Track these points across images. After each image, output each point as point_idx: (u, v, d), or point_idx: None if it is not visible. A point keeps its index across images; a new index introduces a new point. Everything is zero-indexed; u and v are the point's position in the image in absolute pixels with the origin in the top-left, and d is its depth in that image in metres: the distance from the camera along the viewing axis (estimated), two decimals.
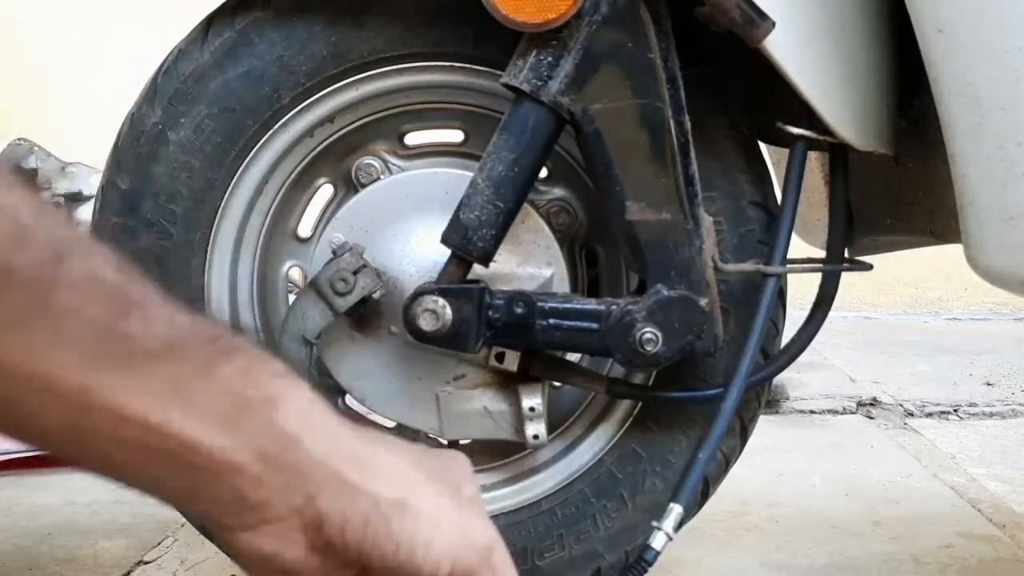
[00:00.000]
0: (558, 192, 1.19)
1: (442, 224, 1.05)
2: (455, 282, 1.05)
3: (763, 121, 1.15)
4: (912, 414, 2.41)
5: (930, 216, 1.16)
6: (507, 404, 1.12)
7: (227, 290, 1.18)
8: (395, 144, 1.21)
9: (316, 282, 1.07)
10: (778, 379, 1.62)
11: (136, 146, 1.13)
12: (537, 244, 1.12)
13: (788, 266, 1.11)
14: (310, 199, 1.23)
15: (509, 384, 1.12)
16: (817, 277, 1.18)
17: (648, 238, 1.04)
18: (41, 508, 1.68)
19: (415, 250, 1.12)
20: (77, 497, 1.70)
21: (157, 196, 1.13)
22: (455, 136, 1.21)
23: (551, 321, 1.05)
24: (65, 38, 3.89)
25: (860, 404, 2.46)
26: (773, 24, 0.97)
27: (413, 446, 0.47)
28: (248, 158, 1.14)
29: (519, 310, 1.04)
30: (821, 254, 1.21)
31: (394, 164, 1.19)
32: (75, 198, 3.41)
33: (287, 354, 1.08)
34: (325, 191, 1.23)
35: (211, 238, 1.15)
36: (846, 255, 1.18)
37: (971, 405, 2.45)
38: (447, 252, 1.06)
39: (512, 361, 1.10)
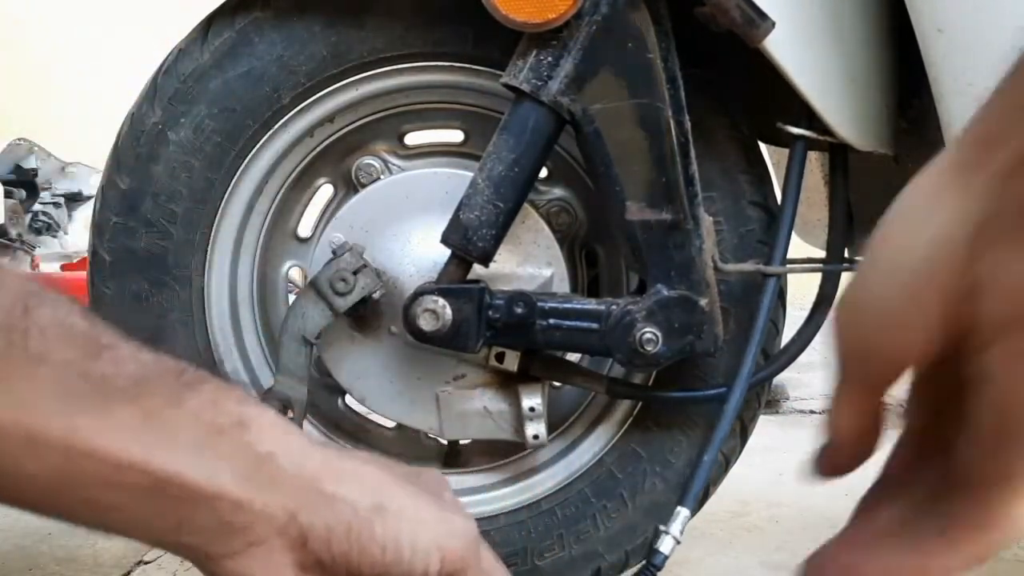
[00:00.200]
0: (558, 192, 1.19)
1: (442, 224, 1.05)
2: (455, 282, 1.05)
3: (763, 121, 1.15)
4: None
5: None
6: (507, 404, 1.12)
7: (227, 290, 1.18)
8: (395, 144, 1.21)
9: (316, 282, 1.07)
10: (778, 379, 1.62)
11: (136, 146, 1.13)
12: (537, 244, 1.12)
13: (788, 266, 1.11)
14: (310, 199, 1.24)
15: (509, 384, 1.12)
16: (817, 277, 1.18)
17: (648, 238, 1.04)
18: None
19: (415, 250, 1.12)
20: None
21: (157, 196, 1.13)
22: (455, 136, 1.21)
23: (551, 321, 1.05)
24: (65, 38, 3.89)
25: None
26: (773, 24, 0.97)
27: (386, 460, 0.48)
28: (248, 158, 1.14)
29: (519, 310, 1.04)
30: (821, 254, 1.21)
31: (394, 164, 1.19)
32: (75, 198, 3.42)
33: (287, 354, 1.08)
34: (325, 191, 1.23)
35: (211, 238, 1.15)
36: (846, 255, 1.18)
37: None
38: (447, 252, 1.06)
39: (512, 361, 1.10)
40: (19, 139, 3.18)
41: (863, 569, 0.36)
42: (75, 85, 3.82)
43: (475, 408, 1.13)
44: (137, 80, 1.18)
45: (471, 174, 1.05)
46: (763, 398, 1.20)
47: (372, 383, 1.15)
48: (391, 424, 1.25)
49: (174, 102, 1.12)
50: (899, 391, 0.38)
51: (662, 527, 1.06)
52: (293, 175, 1.18)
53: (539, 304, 1.05)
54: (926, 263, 0.33)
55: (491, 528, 1.19)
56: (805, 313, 1.17)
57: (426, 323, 1.04)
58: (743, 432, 1.19)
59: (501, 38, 1.02)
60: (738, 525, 1.62)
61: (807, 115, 1.05)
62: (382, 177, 1.17)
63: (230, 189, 1.14)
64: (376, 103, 1.16)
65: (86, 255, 1.18)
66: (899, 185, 0.36)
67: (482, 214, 1.03)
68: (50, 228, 3.34)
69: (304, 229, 1.24)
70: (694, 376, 1.15)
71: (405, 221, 1.13)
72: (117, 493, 0.40)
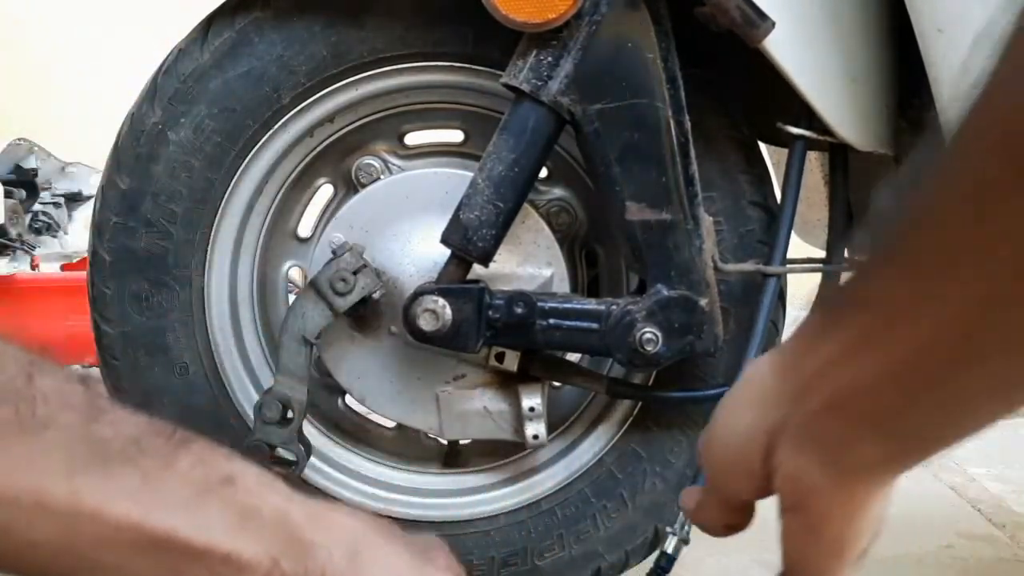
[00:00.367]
0: (558, 192, 1.19)
1: (442, 224, 1.05)
2: (455, 282, 1.05)
3: (763, 121, 1.15)
4: None
5: None
6: (507, 404, 1.12)
7: (227, 290, 1.18)
8: (395, 144, 1.21)
9: (316, 282, 1.07)
10: None
11: (136, 146, 1.13)
12: (537, 244, 1.12)
13: (788, 266, 1.11)
14: (310, 199, 1.24)
15: (509, 384, 1.12)
16: (817, 277, 1.18)
17: (648, 238, 1.04)
18: None
19: (415, 250, 1.12)
20: None
21: (157, 196, 1.13)
22: (455, 136, 1.21)
23: (551, 321, 1.05)
24: (65, 38, 3.89)
25: None
26: (773, 24, 0.97)
27: (378, 518, 0.51)
28: (248, 158, 1.14)
29: (519, 310, 1.04)
30: (821, 254, 1.21)
31: (394, 164, 1.19)
32: (75, 198, 3.41)
33: (287, 354, 1.08)
34: (325, 191, 1.23)
35: (211, 238, 1.15)
36: (846, 255, 1.18)
37: None
38: (447, 252, 1.06)
39: (512, 361, 1.10)
40: (19, 139, 3.17)
41: None
42: (75, 85, 3.82)
43: (475, 408, 1.13)
44: (137, 80, 1.18)
45: (471, 174, 1.05)
46: None
47: (372, 383, 1.15)
48: (391, 424, 1.25)
49: (174, 102, 1.12)
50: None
51: (669, 528, 1.06)
52: (293, 175, 1.18)
53: (539, 304, 1.05)
54: (747, 443, 0.44)
55: (491, 528, 1.19)
56: (805, 313, 1.17)
57: (426, 323, 1.04)
58: None
59: (501, 38, 1.02)
60: None
61: (807, 115, 1.05)
62: (382, 177, 1.17)
63: (230, 189, 1.14)
64: (376, 103, 1.16)
65: (86, 255, 1.18)
66: None
67: (482, 214, 1.03)
68: (50, 228, 3.33)
69: (304, 229, 1.24)
70: (694, 376, 1.15)
71: (405, 221, 1.13)
72: (117, 552, 0.42)
